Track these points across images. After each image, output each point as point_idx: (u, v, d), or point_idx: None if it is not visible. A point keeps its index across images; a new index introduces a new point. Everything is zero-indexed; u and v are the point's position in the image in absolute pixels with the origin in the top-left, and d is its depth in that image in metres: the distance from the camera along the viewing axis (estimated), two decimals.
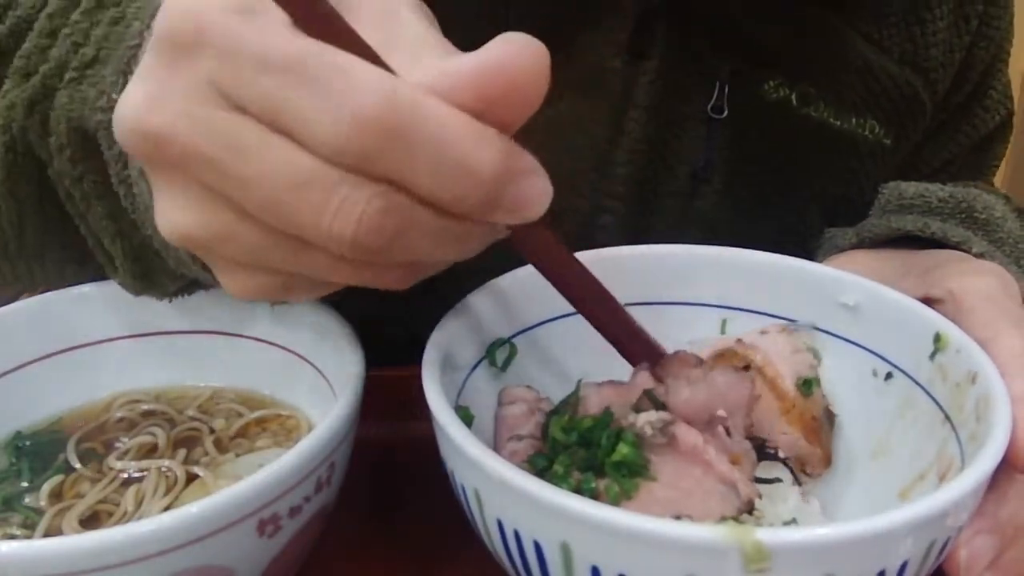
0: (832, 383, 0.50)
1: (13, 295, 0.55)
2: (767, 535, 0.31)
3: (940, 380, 0.44)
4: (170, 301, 0.52)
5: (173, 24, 0.31)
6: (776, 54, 0.64)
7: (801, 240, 0.67)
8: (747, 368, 0.49)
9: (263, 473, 0.37)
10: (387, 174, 0.29)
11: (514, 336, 0.50)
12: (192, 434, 0.52)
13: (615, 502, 0.41)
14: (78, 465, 0.49)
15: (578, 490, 0.41)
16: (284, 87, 0.29)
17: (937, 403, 0.44)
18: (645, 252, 0.53)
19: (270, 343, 0.53)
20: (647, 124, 0.64)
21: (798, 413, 0.48)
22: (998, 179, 0.83)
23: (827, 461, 0.48)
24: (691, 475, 0.42)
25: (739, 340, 0.50)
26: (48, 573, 0.34)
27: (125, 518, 0.46)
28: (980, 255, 0.53)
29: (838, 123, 0.67)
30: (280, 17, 0.30)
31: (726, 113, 0.64)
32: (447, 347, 0.44)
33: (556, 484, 0.38)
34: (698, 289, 0.53)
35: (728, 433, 0.44)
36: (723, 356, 0.50)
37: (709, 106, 0.64)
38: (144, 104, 0.32)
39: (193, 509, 0.35)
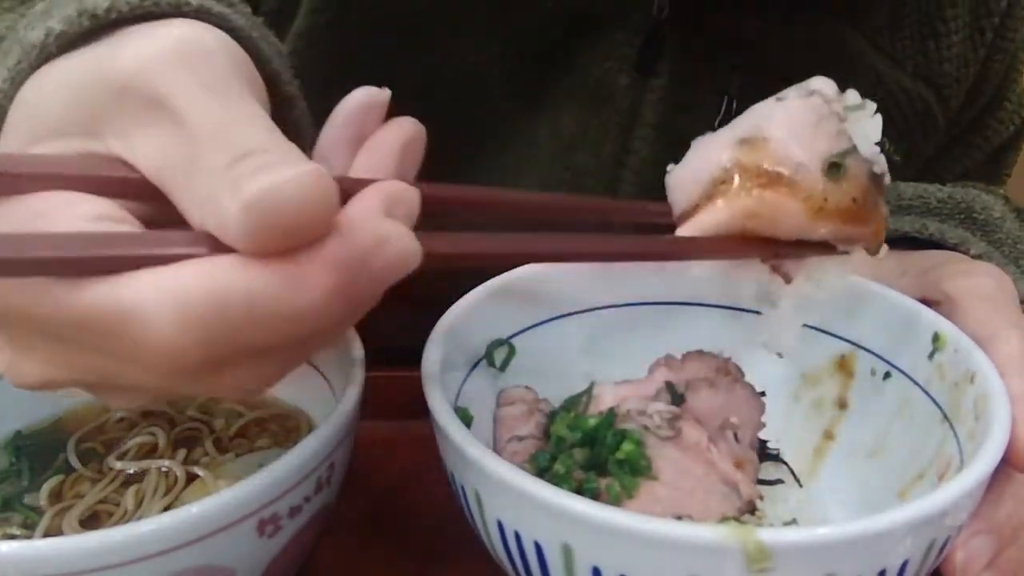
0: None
1: None
2: (769, 535, 0.31)
3: (938, 379, 0.44)
4: None
5: None
6: (786, 67, 0.64)
7: None
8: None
9: (263, 473, 0.37)
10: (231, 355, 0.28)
11: (513, 336, 0.50)
12: (192, 434, 0.52)
13: (616, 501, 0.41)
14: (78, 465, 0.49)
15: (580, 490, 0.41)
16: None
17: (936, 402, 0.44)
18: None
19: None
20: (655, 142, 0.63)
21: (833, 206, 0.41)
22: None
23: (879, 234, 0.42)
24: (693, 474, 0.42)
25: (747, 141, 0.43)
26: (48, 573, 0.34)
27: (125, 518, 0.45)
28: (978, 256, 0.53)
29: None
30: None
31: None
32: (446, 348, 0.44)
33: (557, 484, 0.38)
34: (699, 289, 0.53)
35: (737, 439, 0.44)
36: (744, 146, 0.43)
37: (717, 121, 0.64)
38: None
39: (193, 509, 0.35)
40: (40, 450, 0.50)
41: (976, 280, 0.48)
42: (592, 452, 0.42)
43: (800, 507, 0.47)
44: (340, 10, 0.59)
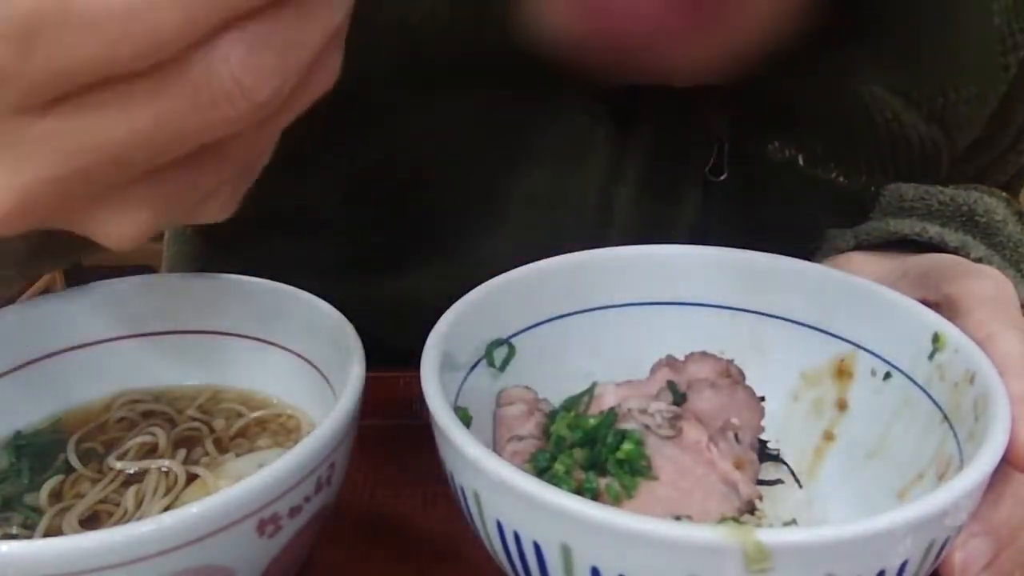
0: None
1: (13, 295, 0.55)
2: (768, 535, 0.31)
3: (939, 380, 0.44)
4: None
5: None
6: (782, 110, 0.61)
7: None
8: None
9: (263, 473, 0.37)
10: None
11: (512, 336, 0.50)
12: (192, 434, 0.52)
13: (616, 501, 0.41)
14: (78, 465, 0.49)
15: (579, 490, 0.41)
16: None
17: (936, 403, 0.44)
18: (645, 252, 0.53)
19: (270, 343, 0.53)
20: (639, 198, 0.61)
21: None
22: None
23: None
24: (693, 474, 0.42)
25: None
26: (48, 573, 0.34)
27: (125, 518, 0.45)
28: (978, 260, 0.52)
29: (847, 182, 0.63)
30: None
31: (725, 175, 0.61)
32: (445, 347, 0.44)
33: (557, 484, 0.38)
34: (699, 289, 0.53)
35: (737, 440, 0.44)
36: None
37: (708, 168, 0.61)
38: None
39: (193, 509, 0.35)
40: (40, 450, 0.50)
41: (977, 283, 0.47)
42: (592, 452, 0.42)
43: (800, 507, 0.47)
44: None
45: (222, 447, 0.50)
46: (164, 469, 0.49)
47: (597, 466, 0.42)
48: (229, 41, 0.27)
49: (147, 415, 0.53)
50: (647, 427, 0.43)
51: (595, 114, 0.60)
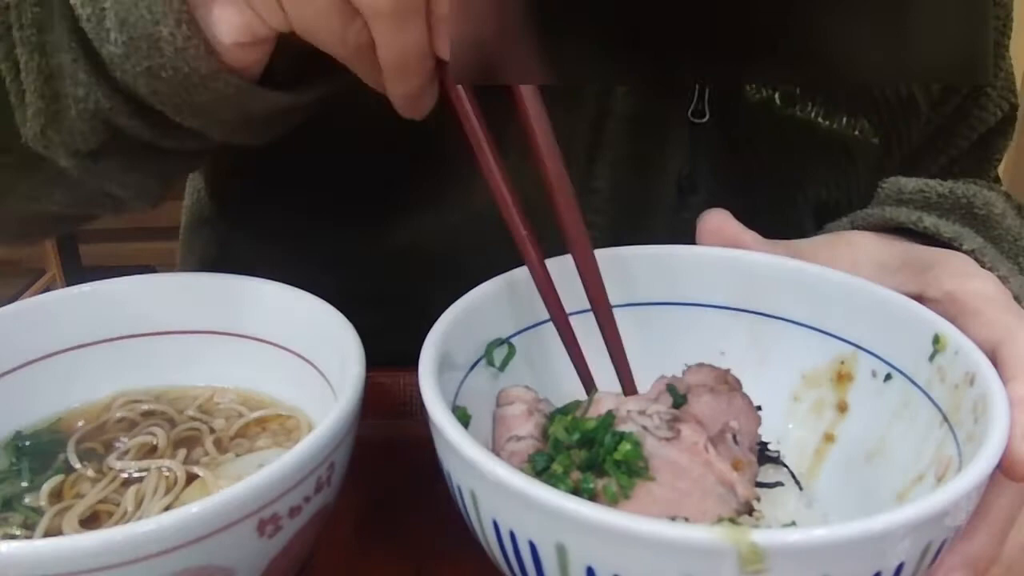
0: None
1: (14, 294, 0.55)
2: (763, 536, 0.31)
3: (939, 381, 0.44)
4: (79, 171, 0.49)
5: None
6: (761, 56, 0.63)
7: None
8: None
9: (263, 473, 0.37)
10: None
11: (512, 336, 0.50)
12: (192, 434, 0.52)
13: (613, 502, 0.41)
14: (78, 465, 0.49)
15: (576, 490, 0.41)
16: None
17: (935, 404, 0.44)
18: (645, 252, 0.53)
19: (270, 343, 0.54)
20: (627, 135, 0.63)
21: None
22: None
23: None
24: (690, 475, 0.42)
25: None
26: (48, 573, 0.34)
27: (125, 518, 0.46)
28: (971, 251, 0.52)
29: (827, 123, 0.65)
30: None
31: (708, 117, 0.64)
32: (444, 347, 0.44)
33: (554, 485, 0.38)
34: (699, 290, 0.53)
35: (736, 442, 0.44)
36: None
37: (690, 111, 0.63)
38: None
39: (193, 509, 0.36)
40: (40, 450, 0.50)
41: (980, 283, 0.47)
42: (590, 453, 0.42)
43: (800, 510, 0.47)
44: None
45: (222, 447, 0.51)
46: (164, 469, 0.49)
47: (594, 467, 0.42)
48: None
49: (147, 415, 0.53)
50: (645, 428, 0.43)
51: None
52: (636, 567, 0.33)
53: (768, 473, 0.48)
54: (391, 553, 0.50)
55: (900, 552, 0.33)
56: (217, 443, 0.51)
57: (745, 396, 0.48)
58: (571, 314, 0.49)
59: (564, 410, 0.48)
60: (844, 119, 0.66)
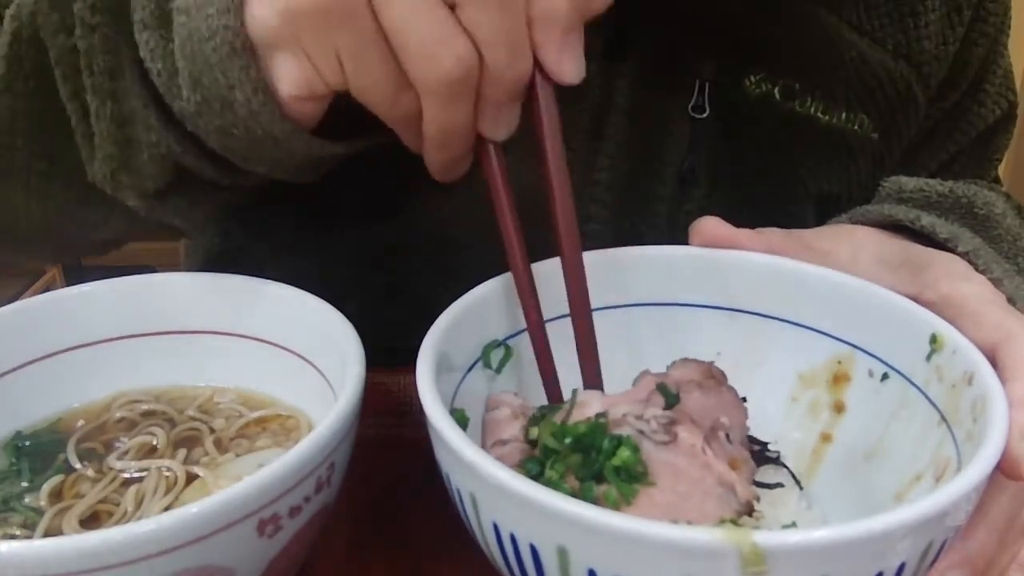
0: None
1: (14, 294, 0.55)
2: (764, 538, 0.31)
3: (936, 381, 0.44)
4: (142, 213, 0.51)
5: None
6: (757, 49, 0.64)
7: None
8: None
9: (263, 473, 0.37)
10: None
11: (509, 338, 0.50)
12: (192, 434, 0.52)
13: (615, 508, 0.41)
14: (78, 465, 0.49)
15: (576, 497, 0.41)
16: None
17: (933, 404, 0.44)
18: (640, 253, 0.53)
19: (270, 343, 0.54)
20: (628, 127, 0.63)
21: None
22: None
23: None
24: (689, 477, 0.42)
25: None
26: (48, 573, 0.34)
27: (125, 518, 0.46)
28: (966, 253, 0.52)
29: (826, 118, 0.66)
30: None
31: (708, 112, 0.64)
32: (442, 349, 0.44)
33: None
34: (696, 290, 0.53)
35: (729, 440, 0.44)
36: None
37: (690, 105, 0.64)
38: None
39: (193, 509, 0.36)
40: (40, 450, 0.50)
41: (976, 286, 0.48)
42: (586, 458, 0.42)
43: (800, 511, 0.47)
44: None
45: (222, 447, 0.51)
46: (164, 469, 0.49)
47: (594, 474, 0.42)
48: None
49: (147, 415, 0.53)
50: (642, 433, 0.43)
51: (587, 50, 0.61)
52: (638, 569, 0.33)
53: (768, 474, 0.48)
54: (391, 553, 0.50)
55: (901, 552, 0.33)
56: (217, 443, 0.51)
57: (731, 389, 0.48)
58: (568, 315, 0.49)
59: (544, 412, 0.47)
60: (843, 114, 0.66)
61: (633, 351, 0.52)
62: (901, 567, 0.34)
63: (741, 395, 0.48)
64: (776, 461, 0.49)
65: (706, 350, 0.52)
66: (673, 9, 0.61)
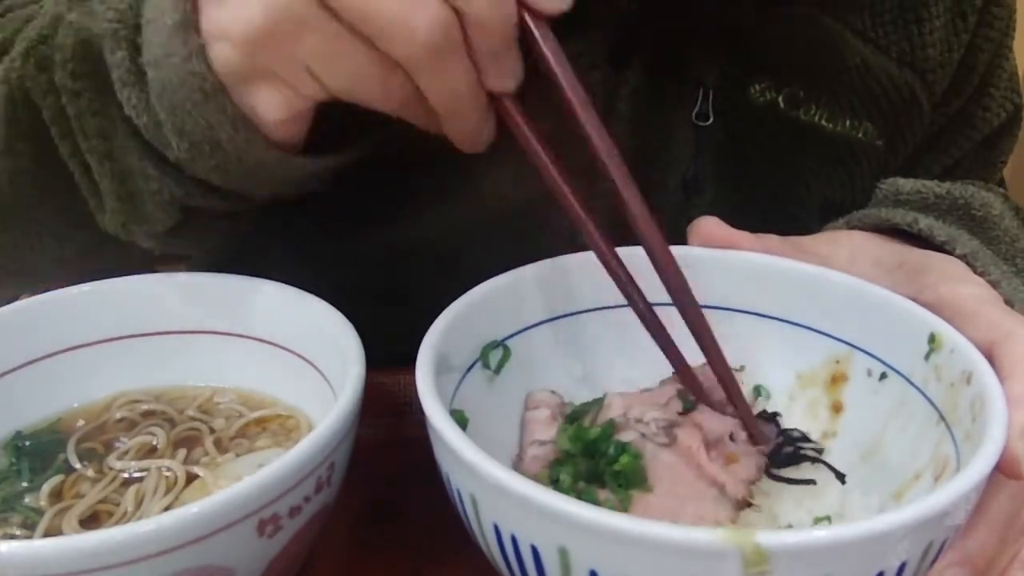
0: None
1: (14, 295, 0.55)
2: (766, 538, 0.31)
3: (935, 380, 0.44)
4: (157, 251, 0.52)
5: None
6: (762, 56, 0.63)
7: None
8: None
9: (263, 473, 0.38)
10: None
11: (508, 338, 0.50)
12: (192, 434, 0.52)
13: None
14: (78, 465, 0.49)
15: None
16: None
17: (932, 403, 0.44)
18: (640, 253, 0.53)
19: (270, 343, 0.54)
20: (631, 136, 0.63)
21: None
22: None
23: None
24: (686, 480, 0.42)
25: None
26: (48, 573, 0.34)
27: (125, 518, 0.46)
28: (963, 256, 0.53)
29: (831, 126, 0.66)
30: None
31: (712, 120, 0.64)
32: (441, 350, 0.44)
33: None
34: (695, 290, 0.53)
35: (732, 439, 0.44)
36: None
37: (694, 113, 0.64)
38: None
39: (193, 509, 0.36)
40: (40, 450, 0.50)
41: (973, 288, 0.48)
42: (591, 463, 0.43)
43: (840, 505, 0.46)
44: None
45: (222, 447, 0.51)
46: (164, 469, 0.49)
47: (596, 478, 0.42)
48: None
49: (147, 415, 0.53)
50: (643, 436, 0.43)
51: (591, 56, 0.61)
52: (640, 570, 0.33)
53: (802, 471, 0.48)
54: (391, 553, 0.50)
55: (902, 552, 0.33)
56: (217, 443, 0.51)
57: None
58: (568, 316, 0.50)
59: (577, 412, 0.47)
60: (848, 121, 0.66)
61: (633, 351, 0.52)
62: (902, 567, 0.34)
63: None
64: (812, 459, 0.49)
65: None
66: (677, 16, 0.61)
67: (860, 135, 0.67)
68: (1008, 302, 0.49)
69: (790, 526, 0.44)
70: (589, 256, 0.52)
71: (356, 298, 0.52)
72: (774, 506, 0.45)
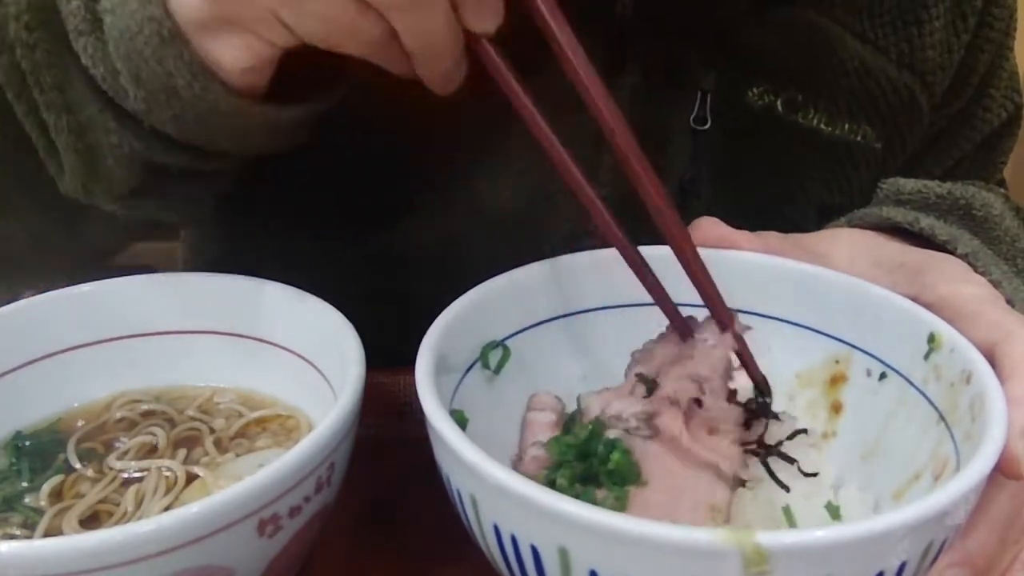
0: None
1: (13, 295, 0.55)
2: (766, 538, 0.31)
3: (934, 380, 0.44)
4: (118, 212, 0.51)
5: None
6: (759, 59, 0.63)
7: None
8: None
9: (263, 473, 0.38)
10: None
11: (507, 338, 0.50)
12: (192, 434, 0.52)
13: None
14: (78, 465, 0.49)
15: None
16: None
17: (932, 403, 0.44)
18: (643, 253, 0.53)
19: (270, 343, 0.54)
20: None
21: None
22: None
23: None
24: (677, 469, 0.42)
25: None
26: (48, 573, 0.34)
27: (125, 518, 0.46)
28: (964, 255, 0.53)
29: (829, 129, 0.66)
30: None
31: (709, 123, 0.64)
32: (441, 350, 0.44)
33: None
34: (693, 291, 0.53)
35: (700, 404, 0.44)
36: None
37: (692, 117, 0.64)
38: None
39: (193, 509, 0.36)
40: (40, 450, 0.50)
41: (974, 288, 0.48)
42: (586, 464, 0.43)
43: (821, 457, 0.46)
44: None
45: (222, 447, 0.51)
46: (164, 469, 0.49)
47: (592, 479, 0.42)
48: None
49: (147, 415, 0.53)
50: (628, 431, 0.43)
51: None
52: (640, 570, 0.33)
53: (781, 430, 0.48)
54: (390, 553, 0.50)
55: (902, 552, 0.33)
56: (217, 443, 0.51)
57: (703, 338, 0.48)
58: (567, 316, 0.50)
59: (572, 419, 0.48)
60: (846, 124, 0.66)
61: (630, 352, 0.52)
62: (902, 566, 0.34)
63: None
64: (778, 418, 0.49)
65: None
66: (674, 20, 0.61)
67: (859, 138, 0.67)
68: (1009, 302, 0.49)
69: (787, 507, 0.45)
70: (588, 256, 0.52)
71: (356, 298, 0.52)
72: (769, 491, 0.45)
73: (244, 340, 0.54)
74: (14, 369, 0.51)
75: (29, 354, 0.52)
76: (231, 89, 0.43)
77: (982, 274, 0.51)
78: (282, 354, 0.53)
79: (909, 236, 0.56)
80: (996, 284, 0.50)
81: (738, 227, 0.53)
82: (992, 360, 0.42)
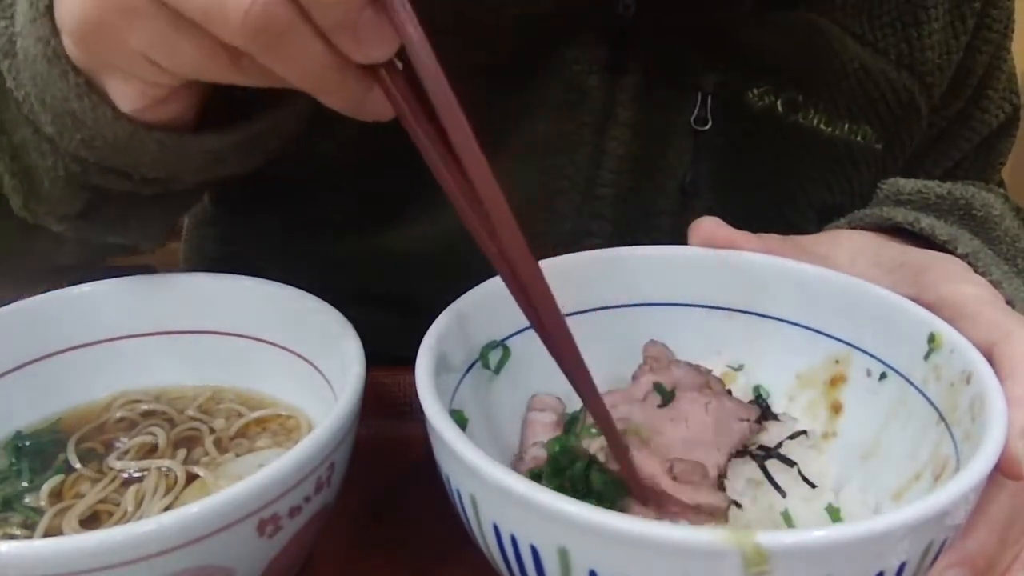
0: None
1: (13, 295, 0.55)
2: (766, 538, 0.31)
3: (934, 380, 0.44)
4: (73, 231, 0.50)
5: None
6: (760, 60, 0.64)
7: None
8: None
9: (263, 473, 0.38)
10: None
11: (507, 338, 0.50)
12: (192, 434, 0.52)
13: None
14: (78, 465, 0.49)
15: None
16: None
17: (931, 403, 0.44)
18: (641, 253, 0.53)
19: (270, 343, 0.54)
20: (630, 141, 0.63)
21: None
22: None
23: None
24: (663, 499, 0.42)
25: None
26: (48, 573, 0.34)
27: (125, 518, 0.46)
28: (964, 255, 0.53)
29: (829, 130, 0.66)
30: None
31: (710, 124, 0.64)
32: (441, 350, 0.44)
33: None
34: (694, 290, 0.53)
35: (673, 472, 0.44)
36: None
37: (693, 118, 0.64)
38: None
39: (193, 509, 0.36)
40: (40, 450, 0.50)
41: (974, 288, 0.48)
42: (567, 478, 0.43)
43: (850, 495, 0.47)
44: None
45: (222, 447, 0.51)
46: (164, 469, 0.49)
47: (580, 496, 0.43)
48: None
49: (147, 415, 0.53)
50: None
51: (589, 63, 0.61)
52: (639, 570, 0.33)
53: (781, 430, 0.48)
54: (391, 553, 0.50)
55: (902, 552, 0.33)
56: (217, 443, 0.51)
57: (732, 398, 0.48)
58: (566, 315, 0.49)
59: (572, 420, 0.48)
60: (846, 125, 0.66)
61: (632, 351, 0.52)
62: (902, 566, 0.34)
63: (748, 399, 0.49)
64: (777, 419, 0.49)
65: (704, 349, 0.52)
66: (675, 21, 0.61)
67: (859, 139, 0.67)
68: (1009, 302, 0.49)
69: (786, 510, 0.45)
70: (588, 257, 0.52)
71: (356, 298, 0.52)
72: (768, 495, 0.46)
73: (244, 340, 0.54)
74: (14, 369, 0.51)
75: (29, 354, 0.52)
76: (119, 113, 0.42)
77: (982, 274, 0.51)
78: (282, 354, 0.53)
79: (909, 236, 0.56)
80: (996, 284, 0.50)
81: (738, 227, 0.53)
82: (992, 360, 0.42)
